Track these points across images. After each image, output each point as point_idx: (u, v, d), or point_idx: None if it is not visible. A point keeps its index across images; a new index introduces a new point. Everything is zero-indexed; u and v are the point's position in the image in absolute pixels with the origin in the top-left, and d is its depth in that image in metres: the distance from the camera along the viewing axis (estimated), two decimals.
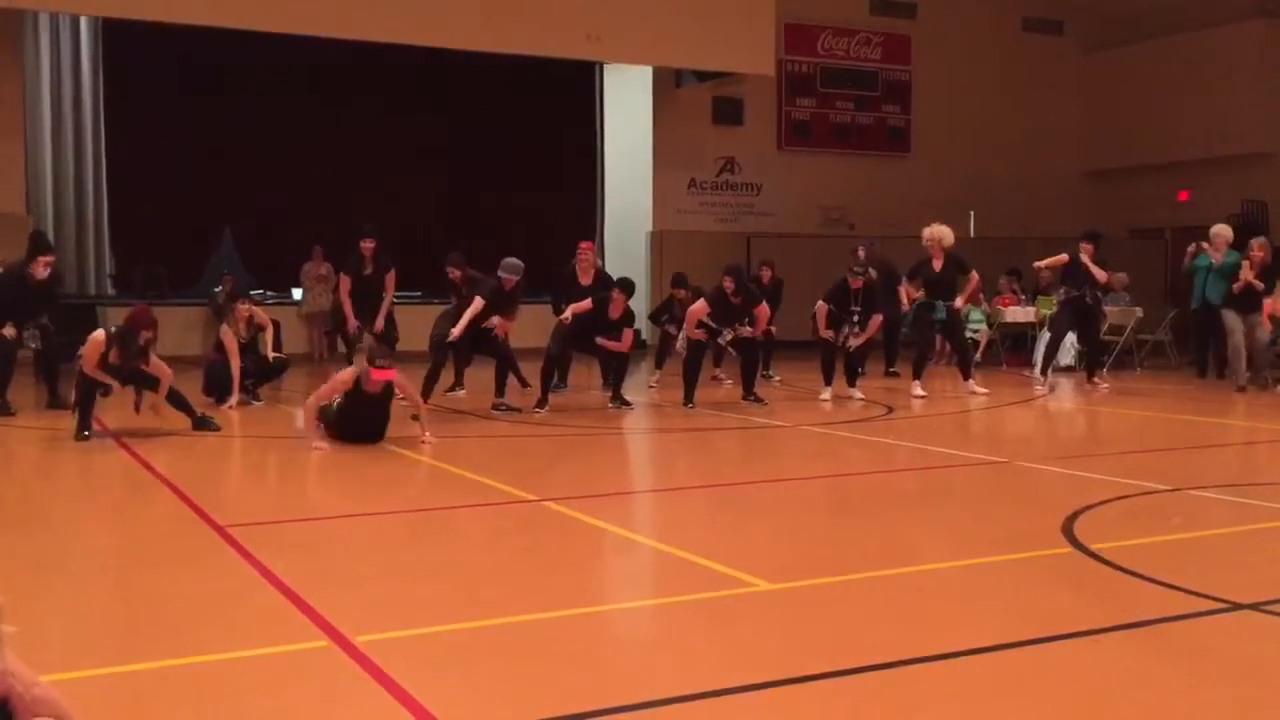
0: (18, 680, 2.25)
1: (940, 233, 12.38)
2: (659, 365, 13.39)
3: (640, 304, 20.08)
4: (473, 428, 9.97)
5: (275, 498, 6.99)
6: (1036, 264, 13.57)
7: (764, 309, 11.30)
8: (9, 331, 10.14)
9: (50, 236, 17.15)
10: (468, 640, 4.07)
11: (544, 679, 3.67)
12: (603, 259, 20.11)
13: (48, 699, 2.38)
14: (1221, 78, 20.16)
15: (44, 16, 16.98)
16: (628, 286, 11.00)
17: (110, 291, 17.52)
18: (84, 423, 8.78)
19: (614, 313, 10.82)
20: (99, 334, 8.88)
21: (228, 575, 4.95)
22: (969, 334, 14.01)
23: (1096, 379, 13.06)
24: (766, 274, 13.70)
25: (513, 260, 10.55)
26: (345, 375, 8.38)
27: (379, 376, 8.16)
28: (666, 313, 13.59)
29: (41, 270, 10.24)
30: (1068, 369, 14.92)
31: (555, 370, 11.12)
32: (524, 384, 11.98)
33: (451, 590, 4.78)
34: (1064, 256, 12.98)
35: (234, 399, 10.61)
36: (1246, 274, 12.55)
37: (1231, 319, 12.77)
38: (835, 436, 9.63)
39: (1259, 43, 20.00)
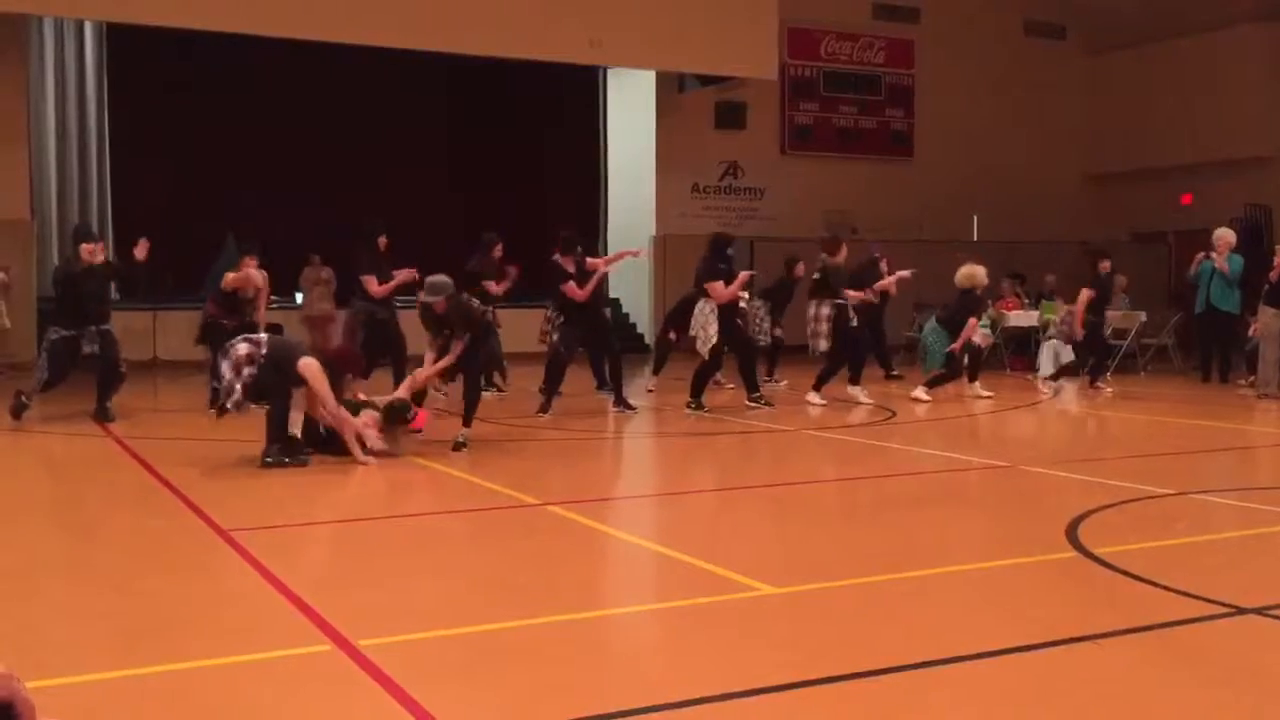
0: (22, 684, 2.26)
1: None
2: (656, 371, 13.34)
3: (642, 308, 20.19)
4: (473, 432, 9.96)
5: (278, 502, 6.99)
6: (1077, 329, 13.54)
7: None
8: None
9: (54, 241, 17.26)
10: (471, 645, 4.07)
11: (547, 683, 3.66)
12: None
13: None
14: (1224, 81, 20.16)
15: (48, 21, 17.00)
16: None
17: (114, 296, 17.51)
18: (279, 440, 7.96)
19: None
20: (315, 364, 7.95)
21: (231, 579, 4.95)
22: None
23: (1100, 383, 13.04)
24: (800, 269, 13.55)
25: (433, 280, 8.85)
26: (369, 420, 8.19)
27: (415, 426, 8.24)
28: (678, 317, 13.31)
29: (88, 256, 10.27)
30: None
31: (563, 374, 10.87)
32: (501, 390, 12.12)
33: (454, 595, 4.78)
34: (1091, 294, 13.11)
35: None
36: None
37: (1270, 323, 12.34)
38: (838, 441, 9.63)
39: (1260, 46, 20.00)
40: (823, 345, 12.01)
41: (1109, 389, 13.02)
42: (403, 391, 8.66)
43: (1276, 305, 12.31)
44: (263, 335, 8.47)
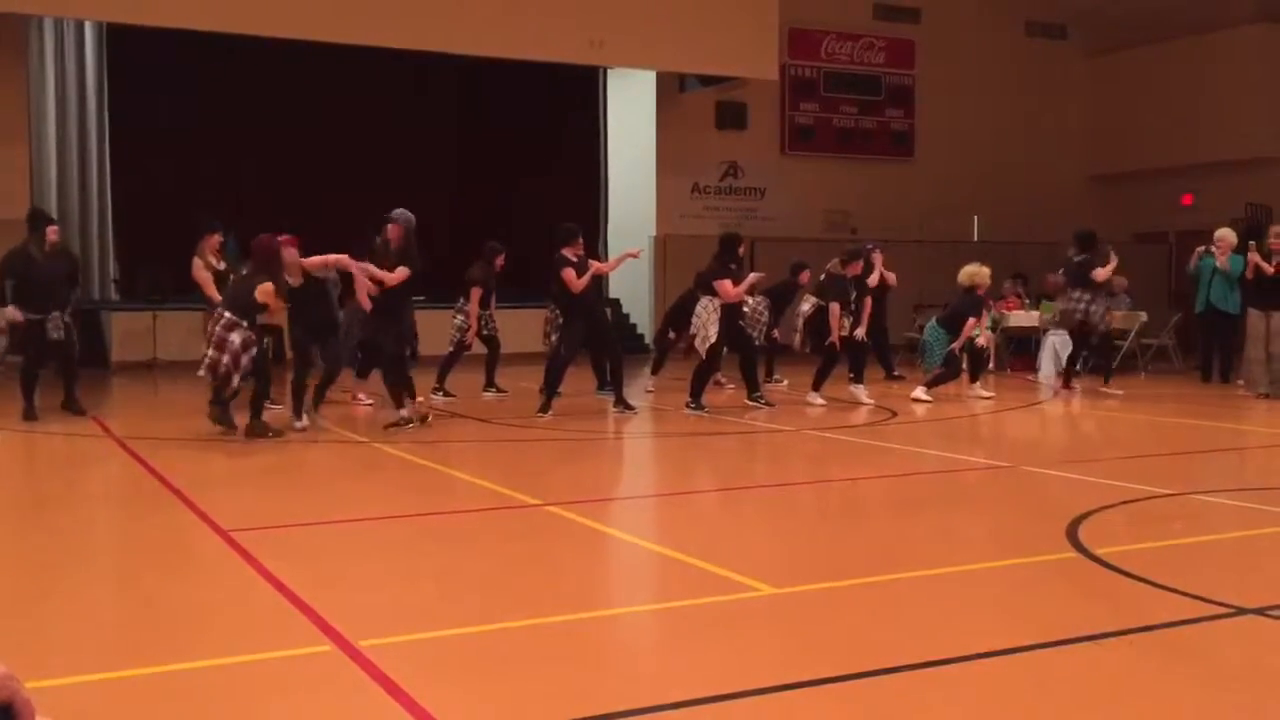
0: (22, 685, 2.25)
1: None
2: (655, 371, 13.32)
3: (643, 308, 20.18)
4: (474, 432, 9.97)
5: (278, 502, 6.99)
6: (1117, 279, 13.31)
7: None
8: (12, 314, 9.92)
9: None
10: (471, 645, 4.07)
11: (548, 684, 3.66)
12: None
13: None
14: (1225, 82, 20.17)
15: (48, 21, 17.00)
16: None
17: (114, 296, 17.53)
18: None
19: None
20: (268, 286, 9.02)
21: (231, 580, 4.95)
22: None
23: (1109, 385, 12.78)
24: (805, 276, 13.50)
25: (398, 211, 10.25)
26: (267, 288, 8.98)
27: (288, 241, 9.36)
28: (678, 317, 13.32)
29: (55, 238, 10.31)
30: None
31: (563, 375, 10.83)
32: (501, 391, 12.12)
33: (455, 595, 4.78)
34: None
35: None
36: (1254, 256, 12.37)
37: (1255, 323, 12.36)
38: (839, 441, 9.63)
39: (1261, 47, 20.01)
40: (796, 340, 12.49)
41: (1119, 391, 12.72)
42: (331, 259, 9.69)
43: (1258, 305, 12.38)
44: (225, 314, 9.00)
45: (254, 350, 8.89)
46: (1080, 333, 12.99)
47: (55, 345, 10.13)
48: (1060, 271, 13.49)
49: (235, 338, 8.76)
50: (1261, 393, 12.20)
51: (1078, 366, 14.91)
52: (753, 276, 11.48)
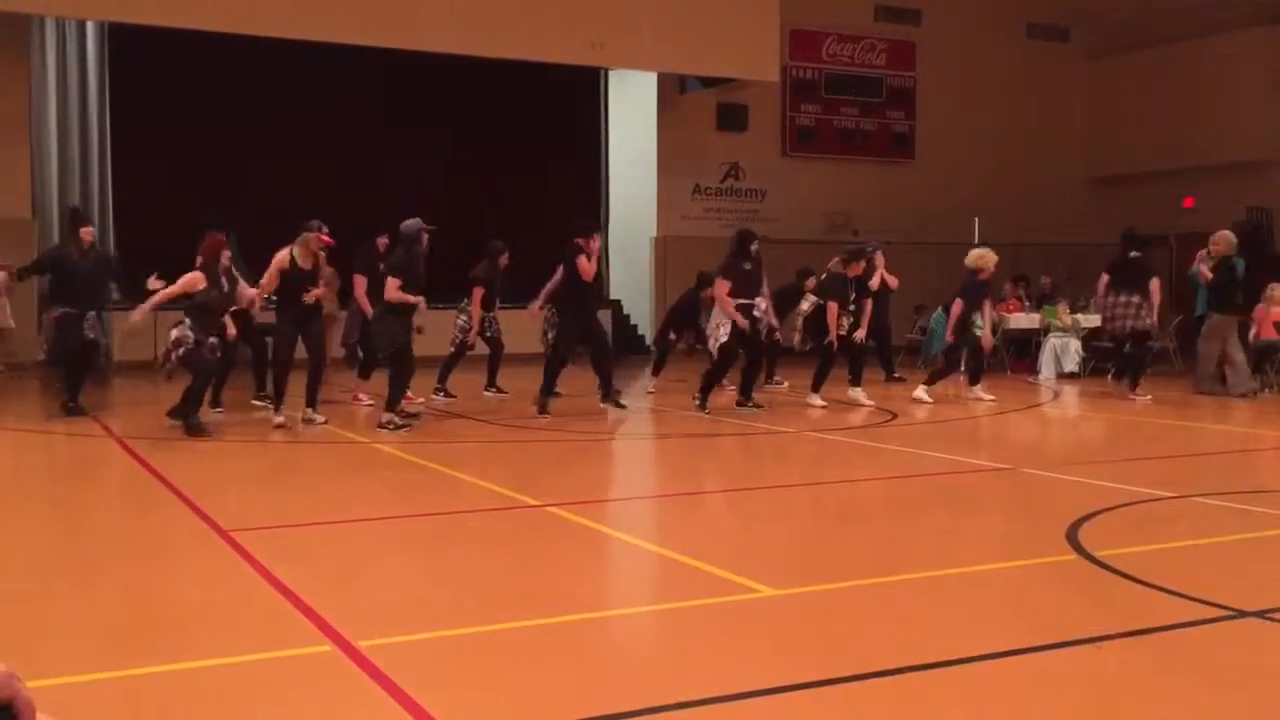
0: (23, 684, 2.25)
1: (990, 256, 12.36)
2: (656, 372, 13.31)
3: (643, 309, 20.18)
4: (474, 433, 9.97)
5: (279, 502, 6.99)
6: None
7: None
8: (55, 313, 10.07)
9: (55, 240, 17.25)
10: (471, 645, 4.07)
11: (548, 684, 3.66)
12: (607, 265, 20.17)
13: None
14: (1226, 85, 20.17)
15: (50, 21, 17.01)
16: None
17: (115, 296, 17.51)
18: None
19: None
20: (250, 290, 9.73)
21: (231, 579, 4.95)
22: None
23: (1139, 391, 12.47)
24: (812, 283, 13.43)
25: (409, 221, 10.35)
26: (281, 256, 9.64)
27: (324, 239, 9.75)
28: (679, 318, 13.32)
29: (89, 238, 10.46)
30: (1071, 375, 14.93)
31: (560, 374, 10.86)
32: (503, 392, 12.17)
33: (455, 595, 4.78)
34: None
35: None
36: (1202, 266, 12.68)
37: (1219, 325, 12.58)
38: (839, 442, 9.63)
39: (1261, 50, 20.02)
40: (795, 339, 12.74)
41: (1148, 396, 12.43)
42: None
43: (1219, 309, 12.50)
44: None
45: (184, 348, 9.16)
46: (1133, 340, 12.67)
47: (91, 345, 10.22)
48: (1104, 282, 12.88)
49: (174, 333, 9.27)
50: (1247, 392, 12.34)
51: (1076, 369, 14.94)
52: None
